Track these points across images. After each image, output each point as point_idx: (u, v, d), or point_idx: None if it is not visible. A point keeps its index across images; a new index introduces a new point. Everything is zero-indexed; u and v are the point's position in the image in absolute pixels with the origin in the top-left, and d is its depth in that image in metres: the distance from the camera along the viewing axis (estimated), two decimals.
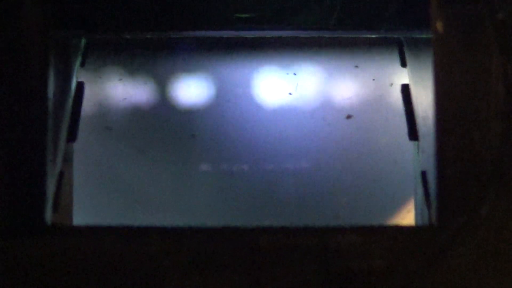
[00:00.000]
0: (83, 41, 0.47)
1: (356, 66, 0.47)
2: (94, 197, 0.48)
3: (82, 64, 0.46)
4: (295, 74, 0.46)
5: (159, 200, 0.50)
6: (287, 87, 0.46)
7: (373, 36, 0.46)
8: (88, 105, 0.45)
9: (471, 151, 0.37)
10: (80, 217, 0.45)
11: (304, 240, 0.37)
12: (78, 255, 0.36)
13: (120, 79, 0.48)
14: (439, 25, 0.38)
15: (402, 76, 0.46)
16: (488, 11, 0.37)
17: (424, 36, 0.43)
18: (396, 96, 0.48)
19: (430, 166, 0.41)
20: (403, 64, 0.47)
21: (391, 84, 0.49)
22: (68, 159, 0.47)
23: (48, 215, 0.40)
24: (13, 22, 0.39)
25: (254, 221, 0.48)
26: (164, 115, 0.47)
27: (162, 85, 0.49)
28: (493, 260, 0.35)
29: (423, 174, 0.43)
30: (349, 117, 0.46)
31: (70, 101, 0.45)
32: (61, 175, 0.44)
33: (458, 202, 0.37)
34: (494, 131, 0.36)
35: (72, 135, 0.44)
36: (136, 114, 0.48)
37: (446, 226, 0.37)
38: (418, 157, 0.46)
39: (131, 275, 0.35)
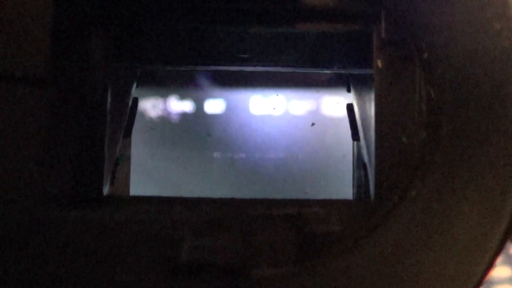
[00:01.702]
0: (138, 70, 0.53)
1: (317, 91, 0.55)
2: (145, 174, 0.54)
3: (137, 86, 0.53)
4: (277, 95, 0.55)
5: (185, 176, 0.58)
6: (272, 104, 0.54)
7: (328, 71, 0.53)
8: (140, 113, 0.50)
9: (401, 149, 0.40)
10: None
11: (283, 210, 0.40)
12: (121, 220, 0.38)
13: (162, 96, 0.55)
14: (379, 62, 0.42)
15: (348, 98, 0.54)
16: (416, 52, 0.39)
17: (363, 72, 0.49)
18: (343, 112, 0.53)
19: (368, 159, 0.47)
20: (349, 90, 0.55)
21: (338, 103, 0.55)
22: (126, 149, 0.52)
23: (106, 189, 0.45)
24: (83, 54, 0.44)
25: (247, 192, 0.59)
26: (190, 121, 0.55)
27: (190, 102, 0.55)
28: (420, 233, 0.36)
29: (364, 165, 0.48)
30: (313, 124, 0.54)
31: (127, 110, 0.52)
32: (117, 160, 0.49)
33: (391, 185, 0.40)
34: (419, 136, 0.39)
35: (127, 133, 0.51)
36: (171, 119, 0.55)
37: (382, 203, 0.39)
38: (359, 153, 0.51)
39: (159, 238, 0.37)
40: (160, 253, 0.37)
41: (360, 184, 0.50)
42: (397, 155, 0.40)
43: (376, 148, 0.42)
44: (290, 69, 0.53)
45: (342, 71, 0.54)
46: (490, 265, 0.33)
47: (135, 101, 0.53)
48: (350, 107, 0.53)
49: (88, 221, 0.37)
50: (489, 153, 0.36)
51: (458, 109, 0.37)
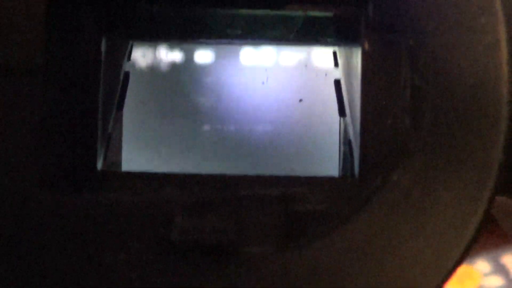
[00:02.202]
0: (130, 43, 0.53)
1: (306, 66, 0.56)
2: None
3: (128, 59, 0.54)
4: (266, 69, 0.55)
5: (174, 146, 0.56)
6: (261, 78, 0.54)
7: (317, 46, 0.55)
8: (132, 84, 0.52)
9: (386, 132, 0.41)
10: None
11: (270, 190, 0.41)
12: (114, 201, 0.39)
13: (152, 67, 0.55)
14: (366, 45, 0.43)
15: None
16: (402, 38, 0.40)
17: (350, 48, 0.50)
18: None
19: (354, 136, 0.47)
20: (336, 65, 0.55)
21: (326, 74, 0.55)
22: (118, 123, 0.53)
23: (100, 164, 0.46)
24: (76, 29, 0.44)
25: (236, 165, 0.62)
26: (182, 90, 0.55)
27: (181, 73, 0.56)
28: (401, 216, 0.37)
29: (349, 142, 0.49)
30: (300, 100, 0.54)
31: (120, 84, 0.52)
32: (110, 134, 0.50)
33: (375, 167, 0.41)
34: (403, 122, 0.40)
35: (120, 106, 0.52)
36: (163, 89, 0.56)
37: (365, 183, 0.41)
38: (345, 129, 0.51)
39: (151, 218, 0.38)
40: (152, 232, 0.38)
41: (346, 158, 0.51)
42: (381, 137, 0.42)
43: (362, 128, 0.43)
44: (278, 44, 0.54)
45: (330, 46, 0.55)
46: (466, 252, 0.35)
47: (127, 75, 0.53)
48: (337, 83, 0.54)
49: (82, 203, 0.38)
50: (469, 143, 0.37)
51: (441, 98, 0.38)
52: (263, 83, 0.55)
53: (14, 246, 0.36)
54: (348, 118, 0.51)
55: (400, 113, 0.40)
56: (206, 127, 0.56)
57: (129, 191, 0.41)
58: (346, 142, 0.51)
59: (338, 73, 0.54)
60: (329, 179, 0.46)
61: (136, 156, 0.54)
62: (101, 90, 0.47)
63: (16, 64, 0.37)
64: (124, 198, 0.39)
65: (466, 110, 0.37)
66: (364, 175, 0.42)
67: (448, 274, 0.35)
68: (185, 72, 0.56)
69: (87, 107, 0.46)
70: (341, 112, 0.52)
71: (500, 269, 0.74)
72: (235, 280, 0.37)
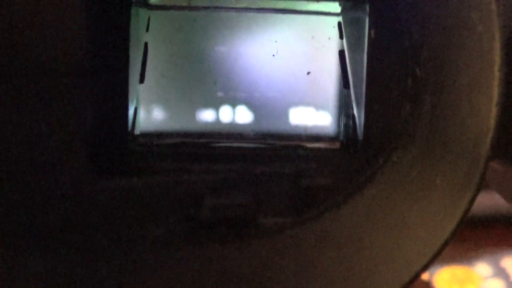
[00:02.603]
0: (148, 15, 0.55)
1: (312, 37, 0.58)
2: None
3: (147, 30, 0.56)
4: (276, 41, 0.57)
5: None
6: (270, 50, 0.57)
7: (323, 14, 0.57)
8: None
9: (388, 113, 0.43)
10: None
11: (282, 167, 0.44)
12: (146, 184, 0.42)
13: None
14: (372, 32, 0.46)
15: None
16: (407, 31, 0.42)
17: (356, 16, 0.51)
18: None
19: (357, 111, 0.49)
20: (341, 36, 0.57)
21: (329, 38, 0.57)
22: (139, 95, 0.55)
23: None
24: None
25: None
26: (195, 56, 0.57)
27: (194, 40, 0.58)
28: (399, 194, 0.41)
29: (353, 117, 0.52)
30: (308, 73, 0.57)
31: (141, 56, 0.54)
32: (136, 109, 0.53)
33: (376, 145, 0.43)
34: (404, 108, 0.42)
35: (142, 79, 0.54)
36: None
37: (369, 159, 0.44)
38: (348, 100, 0.54)
39: (181, 197, 0.42)
40: (183, 210, 0.42)
41: (347, 130, 0.55)
42: (384, 119, 0.46)
43: (366, 108, 0.47)
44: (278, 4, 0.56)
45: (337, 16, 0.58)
46: (454, 232, 0.40)
47: (146, 46, 0.55)
48: (342, 54, 0.56)
49: (117, 184, 0.42)
50: (463, 134, 0.41)
51: (439, 91, 0.42)
52: (273, 55, 0.57)
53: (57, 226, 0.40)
54: (351, 90, 0.54)
55: (402, 99, 0.44)
56: (220, 94, 0.58)
57: (159, 172, 0.44)
58: (349, 114, 0.55)
59: (343, 44, 0.57)
60: (336, 156, 0.50)
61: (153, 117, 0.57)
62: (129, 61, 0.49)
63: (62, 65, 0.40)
64: (155, 179, 0.43)
65: (460, 106, 0.41)
66: (367, 153, 0.46)
67: (438, 250, 0.39)
68: (200, 41, 0.58)
69: (118, 82, 0.48)
70: (345, 84, 0.55)
71: (500, 273, 0.77)
72: (255, 249, 0.42)
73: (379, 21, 0.46)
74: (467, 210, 0.39)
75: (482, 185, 0.39)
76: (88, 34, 0.42)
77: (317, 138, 0.57)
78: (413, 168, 0.42)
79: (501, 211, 0.90)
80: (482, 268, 0.80)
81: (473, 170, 0.40)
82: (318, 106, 0.59)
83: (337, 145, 0.56)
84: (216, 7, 0.56)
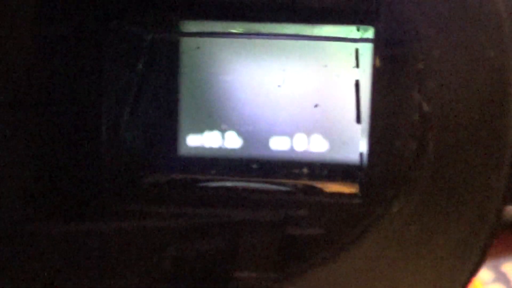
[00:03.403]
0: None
1: (325, 66, 0.52)
2: None
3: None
4: (284, 70, 0.52)
5: None
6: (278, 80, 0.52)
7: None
8: None
9: (391, 155, 0.38)
10: None
11: (266, 214, 0.40)
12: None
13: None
14: (377, 60, 0.40)
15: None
16: (412, 58, 0.38)
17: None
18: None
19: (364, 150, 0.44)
20: (357, 65, 0.50)
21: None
22: None
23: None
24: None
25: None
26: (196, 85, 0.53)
27: (208, 64, 0.54)
28: (397, 247, 0.36)
29: (361, 156, 0.47)
30: (316, 105, 0.51)
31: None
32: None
33: (377, 192, 0.38)
34: (409, 147, 0.38)
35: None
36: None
37: (367, 206, 0.39)
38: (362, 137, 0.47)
39: (148, 246, 0.38)
40: (145, 261, 0.37)
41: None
42: (386, 161, 0.40)
43: (369, 149, 0.41)
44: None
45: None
46: None
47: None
48: (357, 84, 0.50)
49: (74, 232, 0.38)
50: (469, 183, 0.35)
51: (447, 128, 0.36)
52: (279, 86, 0.52)
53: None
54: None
55: (407, 136, 0.38)
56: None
57: (126, 216, 0.41)
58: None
59: (359, 74, 0.50)
60: (331, 202, 0.43)
61: None
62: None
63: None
64: (118, 224, 0.39)
65: (469, 149, 0.35)
66: (366, 200, 0.41)
67: None
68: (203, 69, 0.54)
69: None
70: (358, 118, 0.49)
71: (501, 278, 0.71)
72: None
73: (384, 46, 0.40)
74: (473, 274, 0.33)
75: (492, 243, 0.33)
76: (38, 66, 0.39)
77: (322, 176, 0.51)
78: (414, 222, 0.36)
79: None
80: (483, 273, 0.73)
81: (480, 226, 0.34)
82: (328, 141, 0.54)
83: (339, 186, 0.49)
84: (220, 33, 0.51)
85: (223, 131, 0.54)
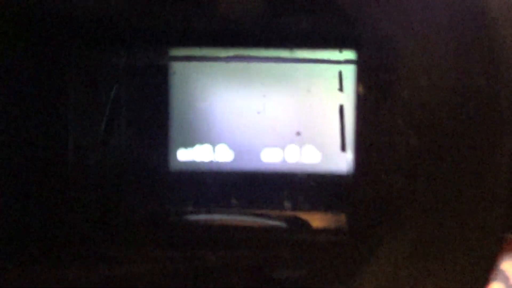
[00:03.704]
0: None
1: (308, 91, 0.50)
2: None
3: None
4: (264, 96, 0.49)
5: None
6: (256, 108, 0.49)
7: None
8: None
9: (378, 187, 0.35)
10: None
11: (243, 256, 0.38)
12: None
13: None
14: (360, 87, 0.37)
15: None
16: (397, 87, 0.35)
17: None
18: None
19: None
20: (341, 88, 0.48)
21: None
22: None
23: None
24: None
25: None
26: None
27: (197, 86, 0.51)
28: None
29: (347, 186, 0.45)
30: (298, 134, 0.48)
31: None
32: None
33: (363, 232, 0.36)
34: (396, 183, 0.35)
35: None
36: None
37: (353, 248, 0.36)
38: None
39: None
40: None
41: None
42: (374, 198, 0.36)
43: (354, 186, 0.39)
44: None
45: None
46: None
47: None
48: (341, 109, 0.48)
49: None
50: (465, 220, 0.32)
51: (436, 163, 0.33)
52: (258, 112, 0.49)
53: None
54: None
55: (394, 171, 0.35)
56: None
57: None
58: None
59: (343, 98, 0.48)
60: (316, 242, 0.41)
61: None
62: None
63: None
64: None
65: (462, 184, 0.32)
66: (352, 241, 0.38)
67: None
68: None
69: None
70: (342, 145, 0.47)
71: (499, 275, 0.70)
72: None
73: (367, 72, 0.37)
74: None
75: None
76: None
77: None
78: (403, 266, 0.33)
79: None
80: None
81: (478, 271, 0.31)
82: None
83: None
84: (198, 57, 0.49)
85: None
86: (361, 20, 0.36)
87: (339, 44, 0.42)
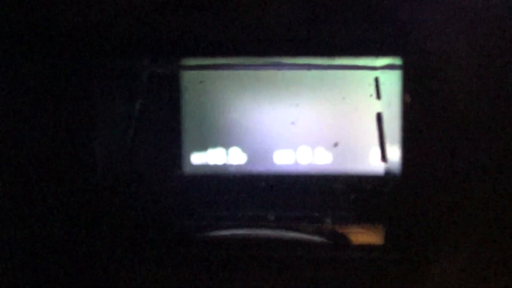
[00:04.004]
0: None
1: (343, 98, 0.48)
2: None
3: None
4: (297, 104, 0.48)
5: None
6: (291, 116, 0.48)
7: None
8: None
9: (425, 209, 0.34)
10: None
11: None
12: None
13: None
14: (406, 97, 0.37)
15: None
16: (450, 96, 0.33)
17: None
18: None
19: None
20: (378, 96, 0.44)
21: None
22: None
23: None
24: None
25: None
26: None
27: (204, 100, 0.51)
28: None
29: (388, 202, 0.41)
30: (336, 145, 0.47)
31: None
32: None
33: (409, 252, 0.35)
34: (445, 199, 0.33)
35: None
36: None
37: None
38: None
39: None
40: None
41: None
42: (421, 213, 0.35)
43: (399, 198, 0.37)
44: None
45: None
46: None
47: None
48: (379, 117, 0.44)
49: None
50: None
51: (489, 176, 0.31)
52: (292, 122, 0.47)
53: None
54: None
55: (443, 187, 0.33)
56: None
57: None
58: None
59: (381, 106, 0.45)
60: (357, 258, 0.38)
61: None
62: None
63: None
64: None
65: None
66: (396, 258, 0.36)
67: None
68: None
69: None
70: (383, 156, 0.43)
71: None
72: None
73: (415, 81, 0.36)
74: None
75: None
76: None
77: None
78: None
79: None
80: None
81: None
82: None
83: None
84: (230, 65, 0.46)
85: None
86: (409, 26, 0.34)
87: (384, 51, 0.39)
